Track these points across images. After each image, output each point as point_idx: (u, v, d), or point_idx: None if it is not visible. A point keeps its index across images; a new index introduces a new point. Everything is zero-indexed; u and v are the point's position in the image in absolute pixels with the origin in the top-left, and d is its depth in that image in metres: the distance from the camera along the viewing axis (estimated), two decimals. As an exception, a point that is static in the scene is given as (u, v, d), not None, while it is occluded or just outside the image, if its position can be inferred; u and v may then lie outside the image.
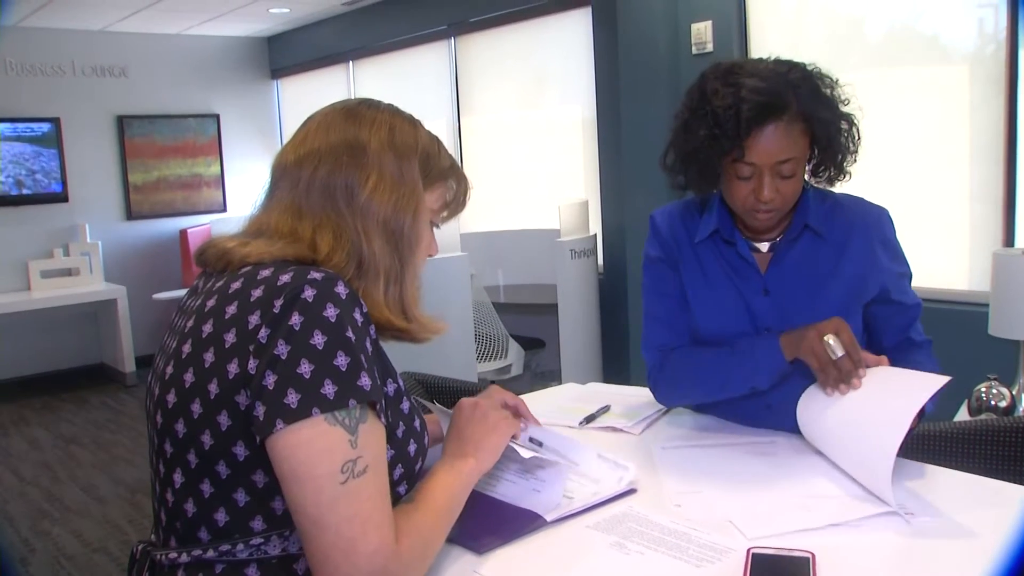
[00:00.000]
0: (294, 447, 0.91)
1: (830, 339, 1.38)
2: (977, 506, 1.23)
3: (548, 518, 1.22)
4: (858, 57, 3.59)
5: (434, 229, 1.21)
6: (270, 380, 0.92)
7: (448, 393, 2.29)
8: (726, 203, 1.61)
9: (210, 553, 0.98)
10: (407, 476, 1.09)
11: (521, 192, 5.40)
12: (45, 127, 6.24)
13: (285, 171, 1.11)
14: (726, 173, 1.48)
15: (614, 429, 1.67)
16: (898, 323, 1.62)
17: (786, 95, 1.41)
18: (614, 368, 4.57)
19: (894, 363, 1.44)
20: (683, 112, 1.51)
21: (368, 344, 0.99)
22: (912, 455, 1.50)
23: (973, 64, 3.26)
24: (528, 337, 4.85)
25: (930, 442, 1.78)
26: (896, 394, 1.32)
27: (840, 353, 1.37)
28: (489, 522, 1.21)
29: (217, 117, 7.04)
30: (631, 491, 1.34)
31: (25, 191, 6.20)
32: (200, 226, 6.70)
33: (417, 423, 1.12)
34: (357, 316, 0.98)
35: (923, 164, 3.41)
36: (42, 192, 6.28)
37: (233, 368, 0.95)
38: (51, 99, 6.27)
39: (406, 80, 6.11)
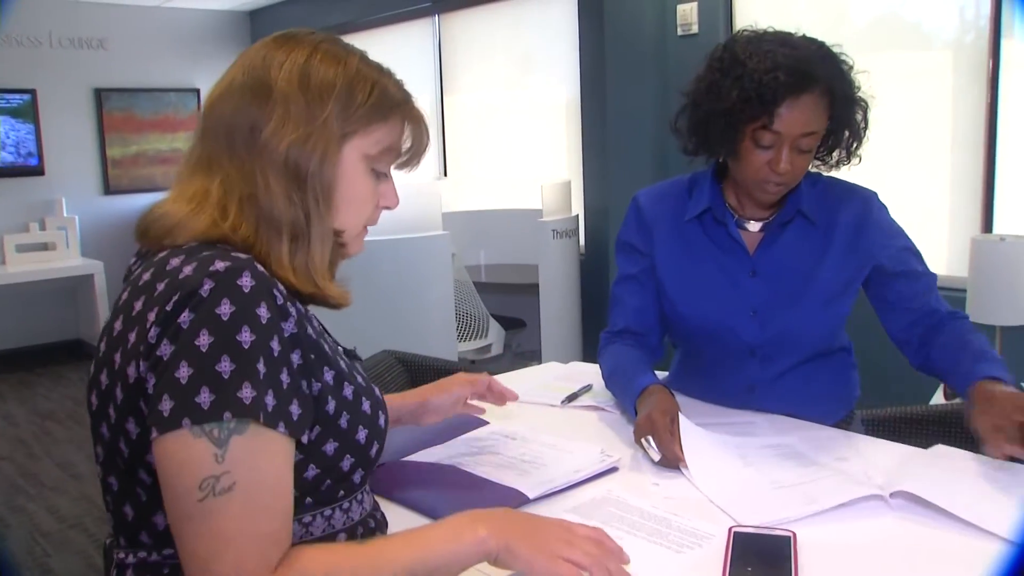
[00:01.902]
0: (161, 458, 0.84)
1: (646, 441, 1.38)
2: (955, 486, 1.24)
3: (530, 495, 1.23)
4: (842, 42, 3.58)
5: (392, 181, 1.08)
6: (150, 383, 0.85)
7: (428, 372, 2.29)
8: (719, 182, 1.61)
9: (154, 556, 0.93)
10: (360, 463, 1.01)
11: (504, 172, 5.38)
12: (21, 99, 6.15)
13: (203, 116, 1.02)
14: (744, 140, 1.45)
15: (596, 408, 1.68)
16: (914, 290, 1.59)
17: (819, 68, 1.41)
18: (595, 348, 4.55)
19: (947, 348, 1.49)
20: (709, 74, 1.48)
21: (276, 343, 0.87)
22: (888, 437, 1.52)
23: (956, 51, 3.27)
24: (509, 317, 4.85)
25: (907, 425, 1.81)
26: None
27: (656, 458, 1.35)
28: (471, 498, 1.22)
29: (197, 92, 6.95)
30: (613, 469, 1.35)
31: (0, 164, 6.11)
32: (179, 202, 6.62)
33: (367, 405, 1.01)
34: (262, 312, 0.86)
35: (904, 149, 3.43)
36: (18, 165, 6.18)
37: (132, 372, 0.88)
38: (27, 70, 6.16)
39: (389, 57, 5.88)
